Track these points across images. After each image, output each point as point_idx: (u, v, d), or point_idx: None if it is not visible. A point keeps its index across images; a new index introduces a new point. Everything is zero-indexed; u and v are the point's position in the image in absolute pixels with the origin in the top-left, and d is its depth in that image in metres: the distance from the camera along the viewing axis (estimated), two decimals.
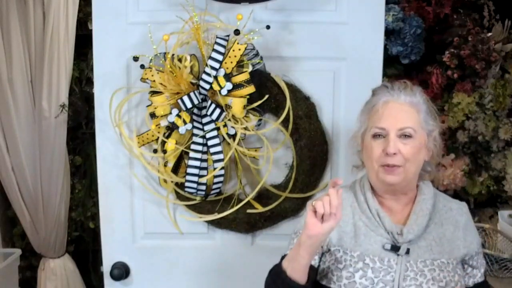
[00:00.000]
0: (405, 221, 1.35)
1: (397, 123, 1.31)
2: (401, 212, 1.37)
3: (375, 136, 1.33)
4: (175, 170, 1.81)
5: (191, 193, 1.80)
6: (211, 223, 1.87)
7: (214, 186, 1.80)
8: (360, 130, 1.40)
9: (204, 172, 1.77)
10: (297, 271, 1.25)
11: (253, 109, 1.78)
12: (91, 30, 1.88)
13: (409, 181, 1.35)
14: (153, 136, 1.79)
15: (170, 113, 1.74)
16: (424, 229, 1.34)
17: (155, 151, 1.80)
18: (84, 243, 2.33)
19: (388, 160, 1.30)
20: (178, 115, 1.73)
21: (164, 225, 1.90)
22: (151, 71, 1.73)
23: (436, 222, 1.37)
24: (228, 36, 1.72)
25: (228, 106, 1.72)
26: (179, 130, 1.74)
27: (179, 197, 1.85)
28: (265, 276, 1.36)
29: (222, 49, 1.70)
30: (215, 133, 1.76)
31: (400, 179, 1.31)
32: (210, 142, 1.75)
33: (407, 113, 1.33)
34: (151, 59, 1.74)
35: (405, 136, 1.31)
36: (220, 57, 1.69)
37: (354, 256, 1.31)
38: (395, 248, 1.31)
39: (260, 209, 1.82)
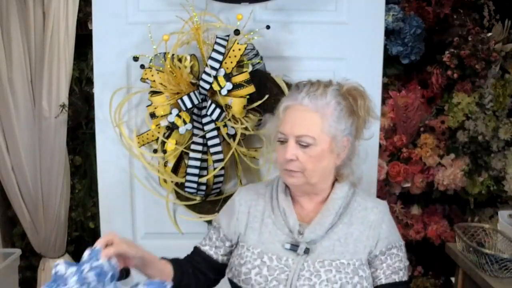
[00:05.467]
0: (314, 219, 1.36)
1: (296, 130, 1.30)
2: (313, 210, 1.38)
3: (279, 140, 1.34)
4: (175, 170, 1.81)
5: (191, 193, 1.80)
6: (211, 223, 1.87)
7: (214, 186, 1.80)
8: (271, 131, 1.39)
9: (204, 172, 1.77)
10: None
11: (253, 109, 1.78)
12: (91, 30, 1.88)
13: (314, 184, 1.34)
14: (153, 136, 1.79)
15: (170, 113, 1.74)
16: (327, 230, 1.33)
17: (155, 151, 1.80)
18: (84, 243, 2.33)
19: (287, 165, 1.31)
20: (178, 115, 1.73)
21: (164, 225, 1.90)
22: (151, 71, 1.73)
23: (346, 222, 1.35)
24: (228, 36, 1.72)
25: (228, 106, 1.72)
26: (179, 130, 1.74)
27: (179, 197, 1.85)
28: None
29: (222, 49, 1.70)
30: (215, 133, 1.75)
31: (301, 182, 1.32)
32: (210, 142, 1.75)
33: (308, 119, 1.30)
34: (151, 59, 1.75)
35: (303, 145, 1.29)
36: (220, 57, 1.69)
37: (254, 253, 1.34)
38: (294, 247, 1.32)
39: None
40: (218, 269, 1.44)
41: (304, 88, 1.33)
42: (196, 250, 1.47)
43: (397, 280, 1.35)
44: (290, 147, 1.29)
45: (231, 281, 1.38)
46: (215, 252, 1.43)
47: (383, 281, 1.34)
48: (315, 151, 1.29)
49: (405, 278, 1.37)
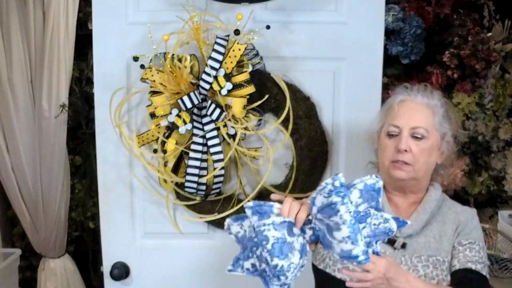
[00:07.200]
0: (408, 218, 1.37)
1: (411, 121, 1.35)
2: (407, 210, 1.40)
3: (390, 134, 1.37)
4: (175, 170, 1.81)
5: (191, 193, 1.80)
6: (211, 223, 1.87)
7: (214, 186, 1.80)
8: (376, 128, 1.44)
9: (204, 172, 1.77)
10: None
11: (253, 109, 1.78)
12: (91, 30, 1.88)
13: (419, 180, 1.38)
14: (153, 136, 1.79)
15: (170, 113, 1.74)
16: (423, 226, 1.36)
17: (155, 151, 1.80)
18: (84, 243, 2.33)
19: (399, 156, 1.33)
20: (178, 115, 1.73)
21: (164, 225, 1.90)
22: (151, 71, 1.73)
23: (439, 220, 1.39)
24: (228, 36, 1.72)
25: (228, 106, 1.72)
26: (179, 130, 1.74)
27: (179, 197, 1.85)
28: None
29: (222, 49, 1.70)
30: (215, 133, 1.75)
31: (409, 176, 1.35)
32: (210, 142, 1.75)
33: (422, 113, 1.36)
34: (151, 59, 1.74)
35: (417, 137, 1.34)
36: (220, 57, 1.69)
37: None
38: (391, 242, 1.34)
39: None
40: None
41: (413, 88, 1.40)
42: None
43: (473, 268, 1.31)
44: (404, 138, 1.34)
45: (323, 272, 1.38)
46: None
47: (457, 267, 1.32)
48: (426, 144, 1.35)
49: (482, 272, 1.32)
